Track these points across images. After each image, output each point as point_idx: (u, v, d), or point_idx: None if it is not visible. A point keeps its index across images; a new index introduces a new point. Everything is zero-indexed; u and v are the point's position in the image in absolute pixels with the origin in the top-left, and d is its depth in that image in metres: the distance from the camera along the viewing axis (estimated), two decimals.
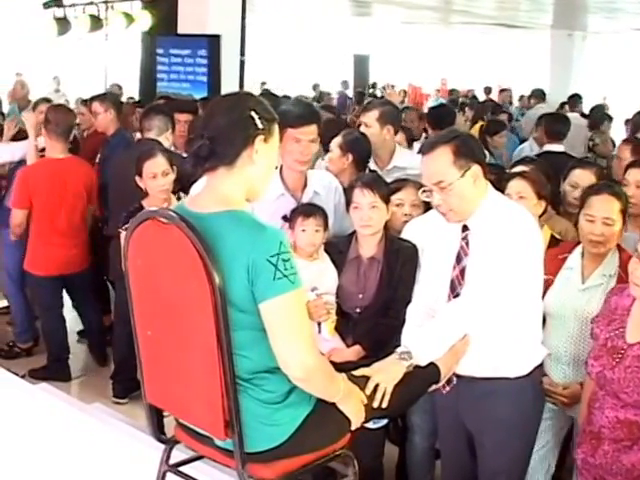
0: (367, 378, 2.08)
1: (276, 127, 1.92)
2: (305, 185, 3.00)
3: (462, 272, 2.31)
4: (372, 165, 3.66)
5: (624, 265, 2.65)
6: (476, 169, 2.24)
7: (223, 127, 1.82)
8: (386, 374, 2.09)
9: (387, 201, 2.84)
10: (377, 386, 2.05)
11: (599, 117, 7.33)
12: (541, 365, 2.47)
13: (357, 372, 2.09)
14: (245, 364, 1.86)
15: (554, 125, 5.11)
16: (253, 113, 1.84)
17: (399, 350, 2.18)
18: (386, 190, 2.87)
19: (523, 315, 2.30)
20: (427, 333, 2.23)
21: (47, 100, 6.21)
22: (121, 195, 3.98)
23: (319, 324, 2.74)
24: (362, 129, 3.71)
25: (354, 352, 2.72)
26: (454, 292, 2.32)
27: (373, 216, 2.78)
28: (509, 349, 2.32)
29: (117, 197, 4.12)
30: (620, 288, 2.34)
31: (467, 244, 2.31)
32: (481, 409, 2.37)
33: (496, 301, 2.20)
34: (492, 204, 2.30)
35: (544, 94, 10.65)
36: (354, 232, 2.88)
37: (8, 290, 4.83)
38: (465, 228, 2.32)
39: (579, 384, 2.62)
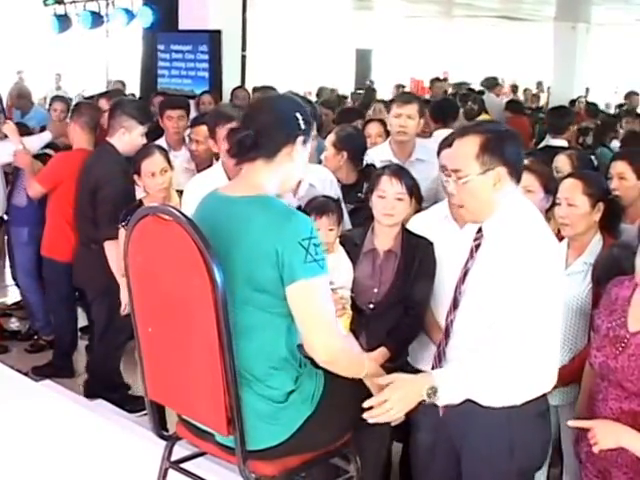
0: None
1: (313, 132, 2.01)
2: None
3: (464, 275, 2.15)
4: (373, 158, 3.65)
5: None
6: (501, 171, 2.03)
7: (269, 122, 1.92)
8: (402, 403, 1.94)
9: (412, 194, 2.76)
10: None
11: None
12: (544, 397, 2.15)
13: (382, 380, 2.00)
14: (252, 358, 1.86)
15: (557, 119, 5.07)
16: (298, 114, 1.94)
17: (430, 384, 1.98)
18: (412, 183, 2.79)
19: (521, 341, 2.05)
20: (459, 375, 2.03)
21: (61, 98, 6.20)
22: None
23: None
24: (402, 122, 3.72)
25: (380, 355, 2.59)
26: (457, 291, 2.17)
27: (397, 206, 2.69)
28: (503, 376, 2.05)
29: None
30: (620, 280, 2.32)
31: (477, 247, 2.14)
32: (464, 429, 2.18)
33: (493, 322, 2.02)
34: (514, 213, 2.07)
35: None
36: (370, 224, 2.80)
37: (27, 286, 4.85)
38: (480, 230, 2.15)
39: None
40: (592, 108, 8.27)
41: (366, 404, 1.91)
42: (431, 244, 2.70)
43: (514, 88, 13.89)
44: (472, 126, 2.19)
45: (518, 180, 2.10)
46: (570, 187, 2.75)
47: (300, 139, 1.94)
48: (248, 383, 1.87)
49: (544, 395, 2.13)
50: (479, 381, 2.03)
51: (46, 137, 4.75)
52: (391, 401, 1.91)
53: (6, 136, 4.62)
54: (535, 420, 2.13)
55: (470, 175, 2.04)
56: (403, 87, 13.13)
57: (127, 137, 3.77)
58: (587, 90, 13.57)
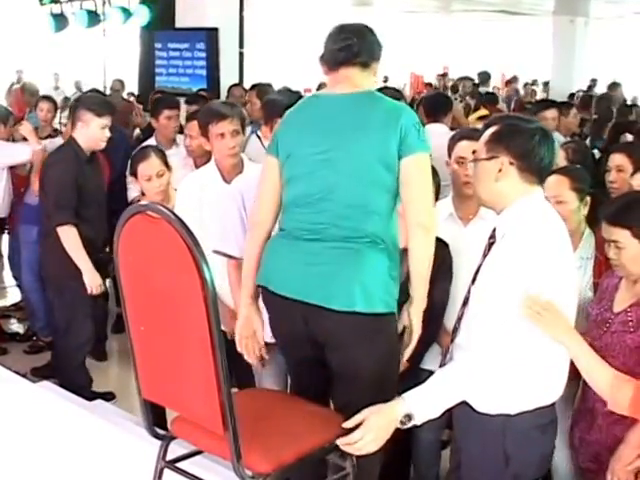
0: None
1: None
2: None
3: (476, 272, 2.12)
4: None
5: (600, 246, 2.66)
6: (504, 161, 2.02)
7: (369, 40, 2.34)
8: (375, 443, 1.93)
9: (437, 189, 2.71)
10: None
11: None
12: (548, 409, 2.09)
13: (355, 418, 1.95)
14: (376, 225, 2.16)
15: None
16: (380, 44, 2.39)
17: (404, 412, 1.95)
18: (438, 178, 2.73)
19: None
20: (436, 392, 1.99)
21: (47, 97, 6.19)
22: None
23: None
24: None
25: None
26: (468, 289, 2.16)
27: None
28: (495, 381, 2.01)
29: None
30: (613, 271, 2.35)
31: (490, 246, 2.12)
32: (463, 432, 2.18)
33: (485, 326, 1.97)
34: (528, 216, 2.02)
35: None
36: None
37: (30, 285, 4.83)
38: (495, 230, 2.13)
39: None
40: (585, 99, 8.28)
41: (339, 442, 1.92)
42: (447, 245, 2.69)
43: (531, 85, 13.70)
44: (504, 116, 2.40)
45: (536, 178, 2.05)
46: (556, 184, 2.69)
47: (379, 63, 2.35)
48: (379, 244, 2.16)
49: (548, 407, 2.07)
50: (464, 390, 1.99)
51: (59, 142, 4.73)
52: (364, 441, 1.92)
53: (24, 138, 4.61)
54: (533, 433, 2.06)
55: (479, 159, 2.10)
56: (386, 80, 13.14)
57: (85, 130, 3.74)
58: (594, 81, 13.28)
